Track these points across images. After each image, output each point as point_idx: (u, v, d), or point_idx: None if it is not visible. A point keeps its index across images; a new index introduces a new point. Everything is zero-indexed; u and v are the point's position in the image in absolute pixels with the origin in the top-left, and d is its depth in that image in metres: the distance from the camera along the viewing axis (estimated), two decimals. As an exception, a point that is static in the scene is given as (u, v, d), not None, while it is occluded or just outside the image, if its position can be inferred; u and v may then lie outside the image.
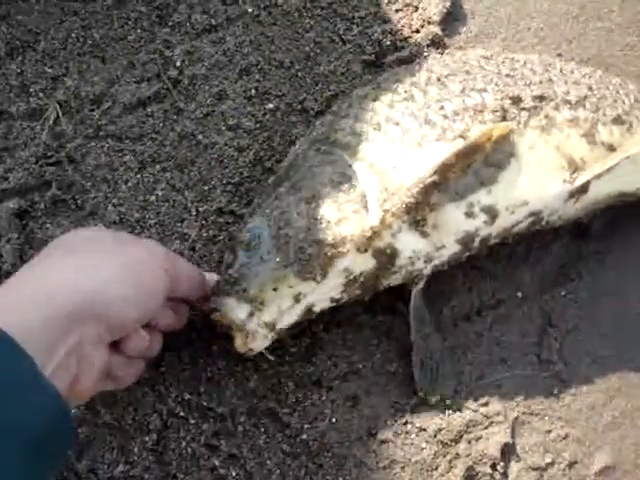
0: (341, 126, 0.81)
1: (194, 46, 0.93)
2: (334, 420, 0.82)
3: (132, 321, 0.67)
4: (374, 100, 0.82)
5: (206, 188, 0.88)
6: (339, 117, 0.83)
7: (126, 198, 0.88)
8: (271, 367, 0.83)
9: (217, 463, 0.80)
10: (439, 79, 0.81)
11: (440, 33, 0.93)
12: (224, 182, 0.88)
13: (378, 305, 0.85)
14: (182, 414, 0.82)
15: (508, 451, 0.82)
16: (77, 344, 0.62)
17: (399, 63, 0.91)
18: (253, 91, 0.91)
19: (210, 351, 0.83)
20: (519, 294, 0.87)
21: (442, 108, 0.79)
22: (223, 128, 0.90)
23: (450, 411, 0.82)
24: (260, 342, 0.77)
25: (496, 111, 0.79)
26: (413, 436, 0.82)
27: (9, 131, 0.90)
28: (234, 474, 0.79)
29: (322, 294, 0.78)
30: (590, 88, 0.84)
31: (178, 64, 0.92)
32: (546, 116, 0.81)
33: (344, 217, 0.76)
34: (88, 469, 0.79)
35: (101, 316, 0.64)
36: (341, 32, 0.94)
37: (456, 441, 0.82)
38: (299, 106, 0.91)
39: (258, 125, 0.90)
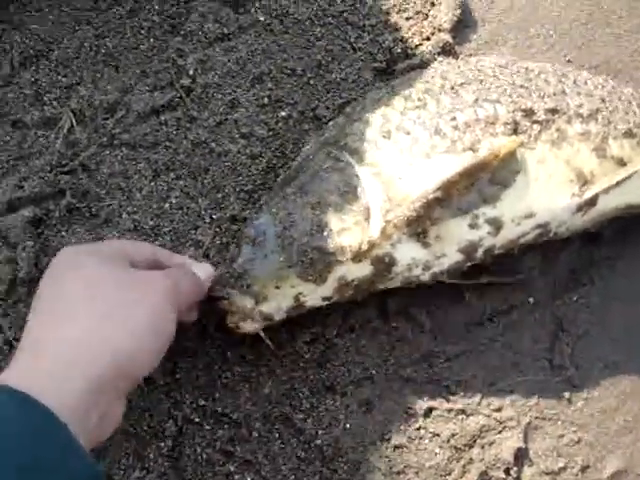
0: (352, 130, 0.82)
1: (207, 55, 0.93)
2: (348, 426, 0.83)
3: (152, 368, 0.69)
4: (387, 105, 0.82)
5: (220, 195, 0.89)
6: (351, 120, 0.83)
7: (140, 206, 0.88)
8: (285, 373, 0.84)
9: (232, 469, 0.81)
10: (453, 87, 0.81)
11: (451, 40, 0.94)
12: (237, 189, 0.89)
13: (391, 310, 0.86)
14: (197, 420, 0.82)
15: (521, 456, 0.83)
16: (106, 404, 0.64)
17: (410, 70, 0.91)
18: (265, 99, 0.92)
19: (225, 357, 0.84)
20: (531, 300, 0.88)
21: (454, 119, 0.79)
22: (236, 136, 0.91)
23: (463, 416, 0.83)
24: (251, 327, 0.79)
25: (508, 124, 0.79)
26: (427, 441, 0.83)
27: (23, 140, 0.91)
28: (249, 480, 0.80)
29: (316, 294, 0.79)
30: (603, 100, 0.84)
31: (191, 73, 0.92)
32: (558, 129, 0.81)
33: (346, 228, 0.77)
34: (104, 475, 0.80)
35: (129, 374, 0.66)
36: (352, 40, 0.94)
37: (469, 446, 0.82)
38: (311, 114, 0.91)
39: (271, 133, 0.91)
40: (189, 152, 0.90)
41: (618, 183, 0.82)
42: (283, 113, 0.92)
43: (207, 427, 0.82)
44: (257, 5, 0.95)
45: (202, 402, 0.83)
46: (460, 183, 0.76)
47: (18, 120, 0.92)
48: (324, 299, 0.80)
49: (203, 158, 0.90)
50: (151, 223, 0.88)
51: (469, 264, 0.82)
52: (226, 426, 0.82)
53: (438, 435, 0.82)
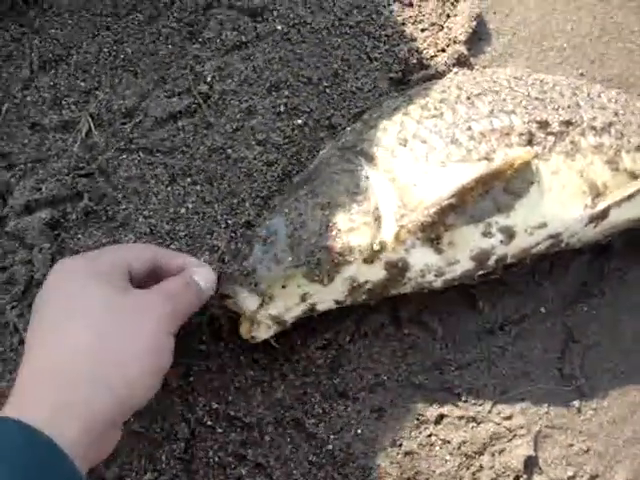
0: (369, 136, 0.83)
1: (224, 62, 0.94)
2: (359, 431, 0.83)
3: (151, 397, 0.70)
4: (404, 114, 0.83)
5: (235, 201, 0.90)
6: (368, 127, 0.84)
7: (157, 210, 0.89)
8: (298, 378, 0.85)
9: (244, 472, 0.82)
10: (469, 98, 0.82)
11: (466, 52, 0.95)
12: (253, 195, 0.90)
13: (404, 317, 0.87)
14: (210, 423, 0.83)
15: (531, 464, 0.84)
16: (104, 435, 0.66)
17: (425, 81, 0.92)
18: (282, 107, 0.93)
19: (238, 361, 0.85)
20: (542, 309, 0.89)
21: (469, 128, 0.80)
22: (252, 143, 0.91)
23: (474, 424, 0.84)
24: (263, 332, 0.80)
25: (523, 134, 0.80)
26: (437, 448, 0.83)
27: (42, 143, 0.92)
28: (260, 483, 0.81)
29: (327, 296, 0.80)
30: (616, 114, 0.85)
31: (208, 79, 0.93)
32: (572, 142, 0.82)
33: (354, 227, 0.78)
34: (116, 477, 0.81)
35: (127, 408, 0.67)
36: (368, 50, 0.95)
37: (480, 453, 0.83)
38: (327, 122, 0.92)
39: (286, 140, 0.92)
40: (205, 158, 0.91)
41: (630, 196, 0.83)
42: (299, 121, 0.92)
43: (219, 430, 0.83)
44: (275, 14, 0.96)
45: (215, 405, 0.83)
46: (475, 190, 0.77)
47: (37, 123, 0.93)
48: (337, 302, 0.81)
49: (219, 164, 0.91)
50: (167, 227, 0.89)
51: (481, 272, 0.83)
52: (238, 429, 0.83)
53: (449, 442, 0.83)
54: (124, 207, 0.90)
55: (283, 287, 0.78)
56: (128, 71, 0.95)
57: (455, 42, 0.95)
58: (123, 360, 0.67)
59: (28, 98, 0.93)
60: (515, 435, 0.84)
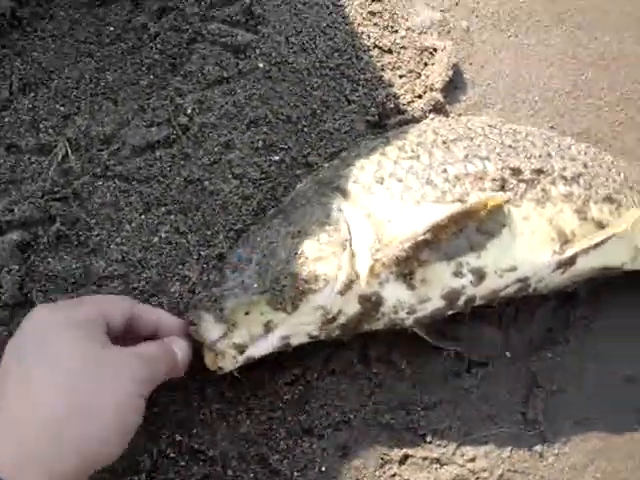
0: (346, 173, 0.84)
1: (205, 95, 0.95)
2: (324, 469, 0.83)
3: (116, 457, 0.70)
4: (381, 154, 0.85)
5: (209, 233, 0.90)
6: (346, 164, 0.86)
7: (129, 238, 0.89)
8: (264, 412, 0.84)
9: (205, 507, 0.81)
10: (445, 142, 0.84)
11: (442, 100, 0.97)
12: (227, 228, 0.90)
13: (373, 356, 0.87)
14: (173, 455, 0.82)
15: (493, 507, 0.84)
16: None
17: (402, 125, 0.94)
18: (260, 143, 0.94)
19: (204, 394, 0.84)
20: (508, 354, 0.90)
21: (445, 171, 0.82)
22: (229, 176, 0.92)
23: (437, 465, 0.84)
24: (229, 362, 0.79)
25: (496, 180, 0.82)
26: (401, 488, 0.83)
27: (16, 164, 0.91)
28: (223, 519, 0.80)
29: (296, 327, 0.80)
30: (585, 165, 0.88)
31: (189, 112, 0.94)
32: (543, 189, 0.84)
33: (322, 256, 0.78)
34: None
35: (92, 467, 0.67)
36: (347, 92, 0.97)
37: (443, 495, 0.83)
38: (303, 160, 0.94)
39: (263, 175, 0.93)
40: (181, 189, 0.91)
41: (597, 245, 0.85)
42: (276, 157, 0.94)
43: (182, 463, 0.82)
44: (257, 52, 0.97)
45: (178, 437, 0.82)
46: (449, 228, 0.79)
47: (13, 144, 0.92)
48: (310, 337, 0.81)
49: (195, 195, 0.91)
50: (139, 255, 0.88)
51: (450, 312, 0.84)
52: (201, 463, 0.82)
53: (412, 483, 0.83)
54: (96, 233, 0.89)
55: (246, 314, 0.78)
56: (108, 99, 0.95)
57: (432, 89, 0.98)
58: (93, 419, 0.66)
59: (6, 119, 0.93)
60: (478, 478, 0.84)
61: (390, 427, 0.85)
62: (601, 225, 0.86)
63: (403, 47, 1.01)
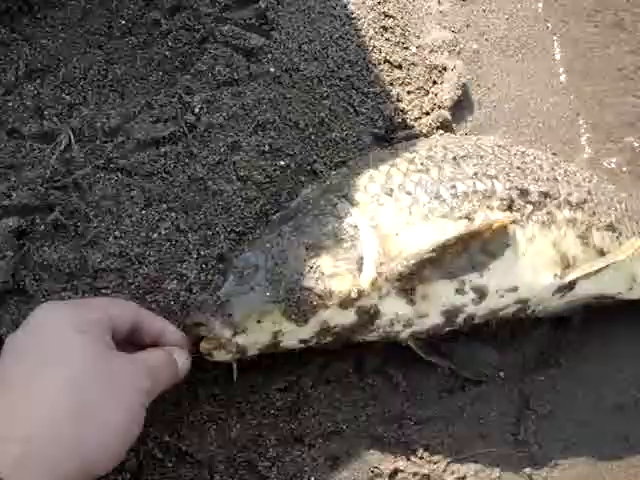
0: (355, 182, 0.84)
1: (214, 95, 0.94)
2: (313, 479, 0.82)
3: (116, 465, 0.69)
4: (391, 165, 0.85)
5: (210, 233, 0.89)
6: (354, 173, 0.86)
7: (128, 232, 0.88)
8: (255, 418, 0.83)
9: (190, 511, 0.79)
10: (455, 158, 0.85)
11: (449, 117, 0.98)
12: (228, 230, 0.89)
13: (368, 367, 0.86)
14: (159, 456, 0.80)
15: (480, 527, 0.83)
16: None
17: (408, 139, 0.94)
18: (266, 147, 0.93)
19: (195, 394, 0.82)
20: (501, 374, 0.90)
21: (454, 187, 0.82)
22: (233, 178, 0.91)
23: (426, 481, 0.84)
24: (222, 356, 0.78)
25: (504, 200, 0.83)
26: (389, 503, 0.82)
27: (17, 150, 0.90)
28: (207, 524, 0.78)
29: (295, 335, 0.80)
30: (589, 192, 0.89)
31: (196, 110, 0.93)
32: (548, 213, 0.85)
33: (338, 273, 0.78)
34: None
35: (93, 474, 0.66)
36: (355, 104, 0.98)
37: (431, 512, 0.82)
38: (308, 167, 0.93)
39: (267, 179, 0.92)
40: (184, 187, 0.90)
41: (597, 271, 0.86)
42: (282, 162, 0.93)
43: (169, 464, 0.80)
44: (269, 57, 0.97)
45: (166, 438, 0.81)
46: (454, 247, 0.79)
47: (15, 129, 0.91)
48: (301, 342, 0.81)
49: (198, 194, 0.90)
50: (137, 250, 0.87)
51: (448, 329, 0.84)
52: (188, 465, 0.81)
53: (401, 498, 0.82)
54: (95, 225, 0.88)
55: (258, 322, 0.77)
56: (115, 91, 0.94)
57: (440, 107, 0.99)
58: (98, 428, 0.65)
59: (10, 104, 0.92)
60: (467, 497, 0.84)
61: (382, 440, 0.84)
62: (602, 252, 0.87)
63: (413, 64, 1.01)
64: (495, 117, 1.03)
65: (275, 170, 0.93)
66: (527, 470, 0.86)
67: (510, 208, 0.83)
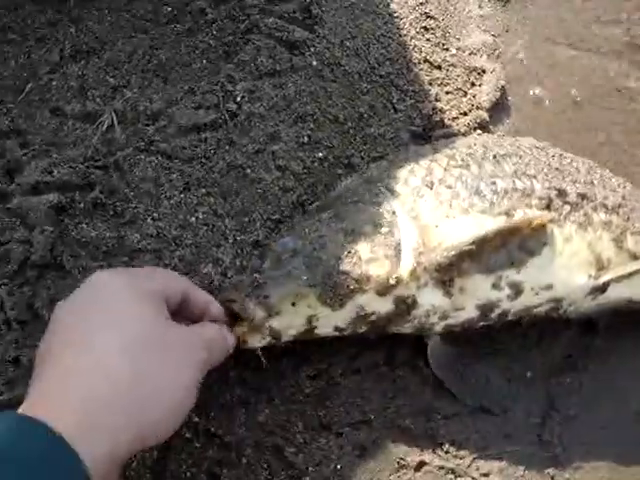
0: (395, 174, 0.85)
1: (255, 85, 0.96)
2: (339, 467, 0.82)
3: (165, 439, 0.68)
4: (432, 160, 0.86)
5: (246, 220, 0.90)
6: (395, 166, 0.87)
7: (166, 214, 0.89)
8: (283, 403, 0.83)
9: (215, 492, 0.79)
10: (495, 156, 0.86)
11: (487, 118, 0.99)
12: (265, 217, 0.90)
13: (399, 359, 0.87)
14: (188, 436, 0.81)
15: (502, 523, 0.84)
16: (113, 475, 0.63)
17: (446, 138, 0.95)
18: (305, 138, 0.94)
19: (226, 377, 0.83)
20: (529, 374, 0.90)
21: (494, 183, 0.83)
22: (272, 167, 0.92)
23: (452, 476, 0.84)
24: (257, 341, 0.78)
25: (542, 199, 0.84)
26: (414, 495, 0.83)
27: (60, 128, 0.91)
28: (230, 505, 0.78)
29: (330, 321, 0.80)
30: (624, 197, 0.90)
31: (238, 99, 0.94)
32: (585, 214, 0.86)
33: (375, 258, 0.79)
34: None
35: (146, 443, 0.65)
36: (394, 101, 0.99)
37: (455, 506, 0.83)
38: (346, 160, 0.94)
39: (305, 170, 0.93)
40: (223, 173, 0.91)
41: (630, 274, 0.87)
42: (320, 154, 0.94)
43: (197, 445, 0.81)
44: (312, 50, 0.98)
45: (195, 419, 0.81)
46: (493, 242, 0.80)
47: (58, 108, 0.92)
48: (336, 329, 0.81)
49: (236, 181, 0.91)
50: (174, 233, 0.88)
51: (482, 324, 0.85)
52: (216, 447, 0.81)
53: (426, 491, 0.83)
54: (134, 206, 0.89)
55: (293, 304, 0.78)
56: (159, 77, 0.96)
57: (478, 108, 1.00)
58: (156, 399, 0.65)
59: (54, 83, 0.93)
60: (491, 493, 0.84)
61: (409, 432, 0.84)
62: (635, 256, 0.88)
63: (452, 65, 1.02)
64: (531, 125, 1.03)
65: (313, 162, 0.94)
66: (550, 471, 0.86)
67: (548, 207, 0.84)
